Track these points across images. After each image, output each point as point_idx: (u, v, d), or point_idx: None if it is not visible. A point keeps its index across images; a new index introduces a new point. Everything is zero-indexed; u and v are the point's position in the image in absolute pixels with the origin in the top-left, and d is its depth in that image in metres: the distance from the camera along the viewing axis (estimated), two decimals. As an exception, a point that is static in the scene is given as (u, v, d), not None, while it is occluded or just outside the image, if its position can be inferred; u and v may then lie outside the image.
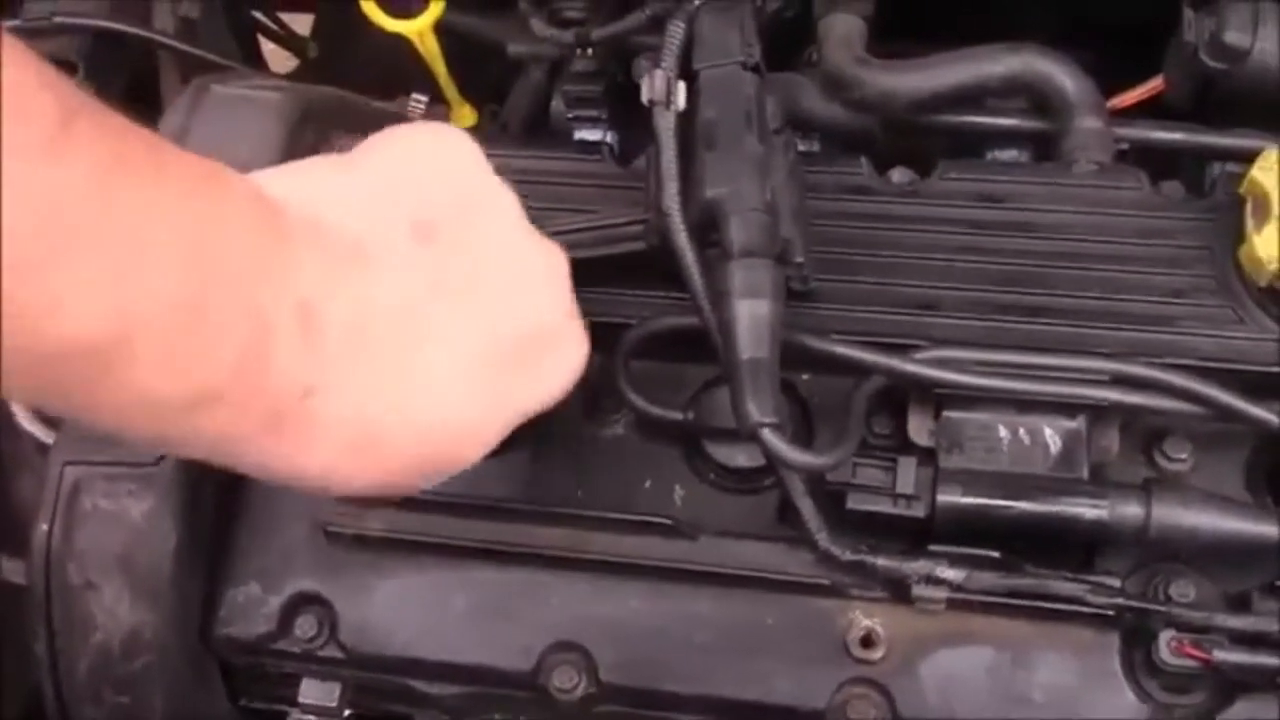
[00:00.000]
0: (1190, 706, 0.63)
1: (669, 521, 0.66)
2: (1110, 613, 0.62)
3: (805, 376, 0.69)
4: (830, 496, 0.64)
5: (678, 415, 0.68)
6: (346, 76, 0.90)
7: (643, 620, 0.66)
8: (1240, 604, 0.63)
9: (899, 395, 0.66)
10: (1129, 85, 0.83)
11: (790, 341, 0.62)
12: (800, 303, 0.66)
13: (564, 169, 0.75)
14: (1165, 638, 0.61)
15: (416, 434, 0.52)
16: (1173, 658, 0.61)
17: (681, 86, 0.65)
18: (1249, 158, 0.67)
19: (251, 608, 0.69)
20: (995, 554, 0.63)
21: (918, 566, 0.62)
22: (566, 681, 0.66)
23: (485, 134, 0.72)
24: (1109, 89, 0.80)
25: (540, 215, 0.59)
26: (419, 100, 0.95)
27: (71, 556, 0.66)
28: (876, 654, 0.64)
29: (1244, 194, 0.66)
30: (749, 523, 0.68)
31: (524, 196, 0.58)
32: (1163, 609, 0.62)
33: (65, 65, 0.88)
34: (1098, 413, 0.64)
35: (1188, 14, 0.78)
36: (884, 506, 0.64)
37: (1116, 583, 0.62)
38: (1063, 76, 0.78)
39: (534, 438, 0.66)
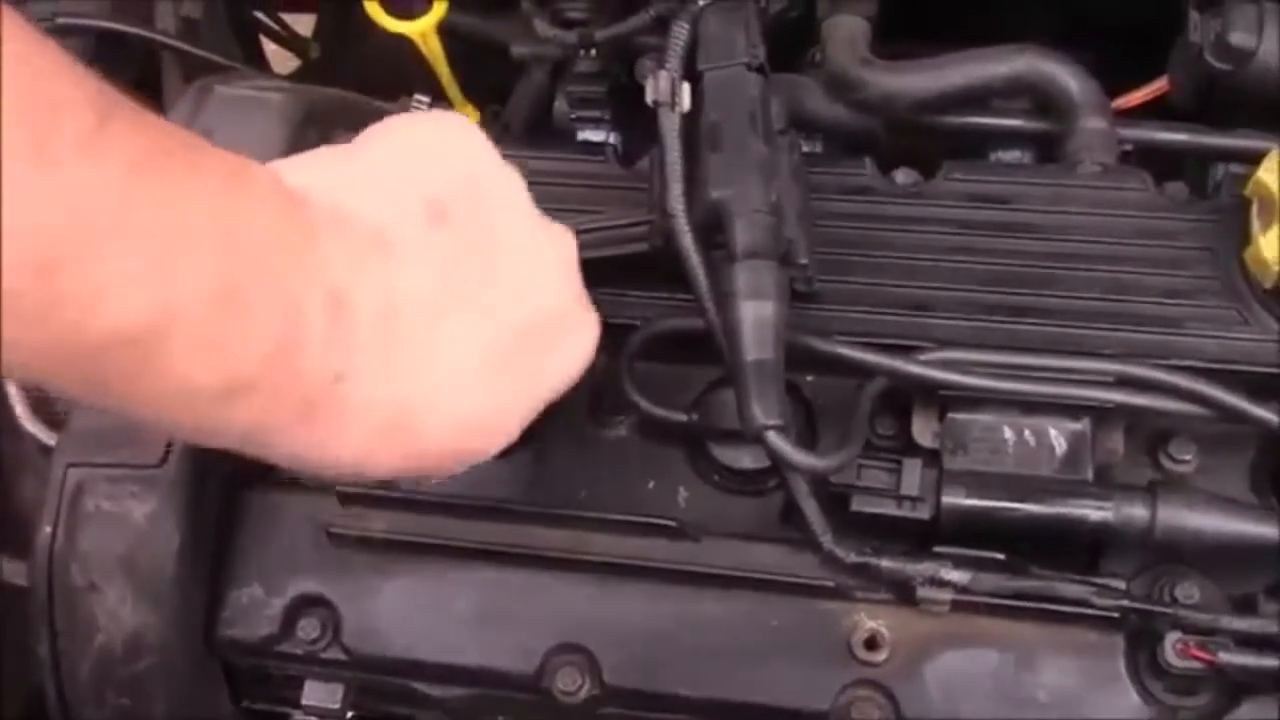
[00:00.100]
0: (1195, 708, 0.63)
1: (673, 523, 0.66)
2: (1115, 615, 0.62)
3: (810, 378, 0.69)
4: (835, 498, 0.64)
5: (682, 417, 0.68)
6: (348, 77, 0.90)
7: (646, 622, 0.66)
8: (1245, 606, 0.63)
9: (903, 397, 0.66)
10: (1133, 86, 0.83)
11: (795, 343, 0.62)
12: (804, 304, 0.66)
13: (567, 170, 0.74)
14: (1170, 640, 0.61)
15: (445, 414, 0.52)
16: (1178, 660, 0.61)
17: (686, 88, 0.65)
18: (1254, 159, 0.67)
19: (254, 609, 0.69)
20: (1000, 556, 0.63)
21: (922, 568, 0.62)
22: (570, 683, 0.65)
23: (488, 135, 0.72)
24: (1113, 90, 0.80)
25: (544, 217, 0.59)
26: (421, 101, 0.95)
27: (74, 558, 0.66)
28: (881, 656, 0.64)
29: (1249, 195, 0.66)
30: (753, 524, 0.68)
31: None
32: (1168, 611, 0.62)
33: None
34: (1103, 414, 0.64)
35: (1193, 15, 0.78)
36: (888, 508, 0.64)
37: (1121, 585, 0.62)
38: (1067, 77, 0.78)
39: (538, 439, 0.66)
